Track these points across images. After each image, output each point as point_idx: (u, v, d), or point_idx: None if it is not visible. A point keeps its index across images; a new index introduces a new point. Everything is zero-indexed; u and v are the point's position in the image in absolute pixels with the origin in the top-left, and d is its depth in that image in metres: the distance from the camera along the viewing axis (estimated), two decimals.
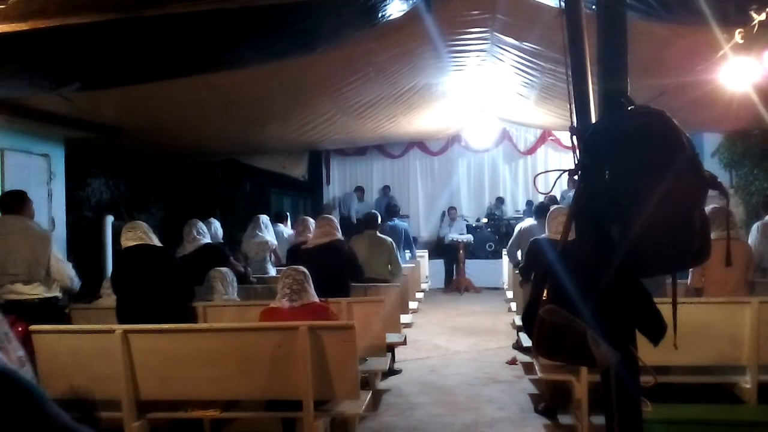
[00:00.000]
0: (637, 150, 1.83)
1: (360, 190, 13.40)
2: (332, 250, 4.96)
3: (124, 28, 3.32)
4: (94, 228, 8.02)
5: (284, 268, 4.46)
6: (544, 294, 2.04)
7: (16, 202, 4.57)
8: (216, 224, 5.84)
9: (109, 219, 8.04)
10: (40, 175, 6.36)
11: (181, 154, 9.20)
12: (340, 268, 4.86)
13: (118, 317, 4.10)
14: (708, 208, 4.60)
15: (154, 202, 10.40)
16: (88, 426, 0.99)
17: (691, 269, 4.34)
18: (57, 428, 0.95)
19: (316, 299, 3.83)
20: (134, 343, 3.52)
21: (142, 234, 4.26)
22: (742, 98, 4.29)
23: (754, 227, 5.73)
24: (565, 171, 2.20)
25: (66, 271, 4.65)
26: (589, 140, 2.02)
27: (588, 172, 1.96)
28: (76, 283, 4.75)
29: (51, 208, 6.40)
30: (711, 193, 1.92)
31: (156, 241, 4.33)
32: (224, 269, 4.86)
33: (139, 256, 4.23)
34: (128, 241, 4.25)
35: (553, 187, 2.41)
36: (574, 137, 2.07)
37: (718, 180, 1.92)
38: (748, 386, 3.84)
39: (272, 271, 6.79)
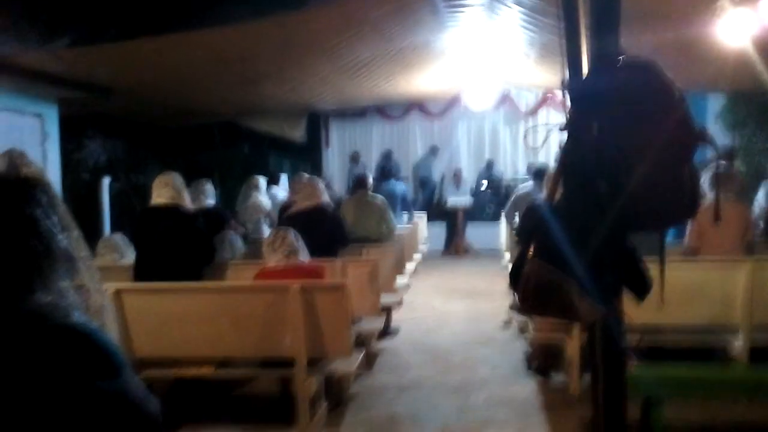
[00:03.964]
0: (624, 104, 1.79)
1: (355, 156, 13.30)
2: (316, 214, 4.91)
3: None
4: (91, 190, 8.00)
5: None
6: (531, 250, 2.04)
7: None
8: (209, 186, 5.80)
9: (106, 181, 8.02)
10: (33, 135, 6.30)
11: (176, 115, 9.11)
12: (325, 232, 4.81)
13: (135, 275, 4.11)
14: (710, 169, 4.57)
15: (152, 164, 10.35)
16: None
17: (688, 229, 4.32)
18: (129, 399, 0.91)
19: (307, 260, 3.84)
20: (128, 301, 3.53)
21: (174, 193, 4.13)
22: (740, 54, 4.20)
23: (763, 186, 5.61)
24: (555, 126, 2.16)
25: None
26: (578, 95, 1.98)
27: (576, 127, 1.93)
28: None
29: (45, 169, 6.36)
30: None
31: (187, 201, 4.21)
32: (230, 232, 4.88)
33: (166, 218, 4.12)
34: (159, 198, 4.14)
35: (544, 143, 2.36)
36: (566, 92, 2.03)
37: (708, 132, 1.89)
38: (739, 347, 3.86)
39: (267, 233, 6.78)
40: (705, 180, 4.37)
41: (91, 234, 6.85)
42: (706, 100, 9.42)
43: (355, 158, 13.14)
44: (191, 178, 5.95)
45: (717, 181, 3.54)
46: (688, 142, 1.80)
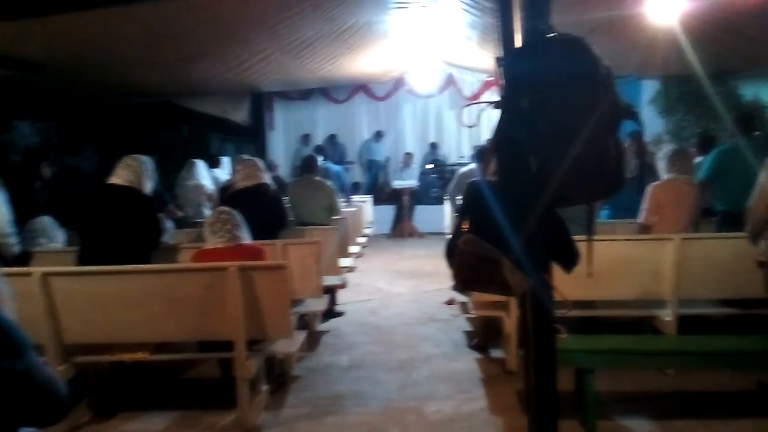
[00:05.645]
0: (554, 79, 1.81)
1: (305, 138, 13.16)
2: (257, 193, 4.82)
3: None
4: (21, 173, 7.61)
5: None
6: (464, 225, 2.06)
7: None
8: None
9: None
10: None
11: (111, 94, 8.78)
12: (266, 212, 4.73)
13: (79, 259, 3.90)
14: (666, 150, 4.71)
15: (88, 146, 9.94)
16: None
17: (644, 206, 4.42)
18: (33, 380, 0.86)
19: (249, 241, 3.77)
20: (56, 285, 3.39)
21: (132, 177, 3.92)
22: (669, 36, 4.34)
23: None
24: (490, 103, 2.18)
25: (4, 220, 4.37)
26: (509, 71, 2.00)
27: (508, 103, 1.95)
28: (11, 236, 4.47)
29: None
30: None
31: (146, 188, 3.98)
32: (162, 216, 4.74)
33: (121, 199, 3.90)
34: (117, 178, 3.92)
35: (479, 120, 2.38)
36: (500, 70, 2.05)
37: (633, 110, 1.94)
38: (668, 319, 4.04)
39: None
40: (662, 160, 4.52)
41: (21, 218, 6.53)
42: (640, 85, 9.72)
43: (306, 140, 13.00)
44: None
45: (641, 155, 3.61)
46: (614, 116, 1.83)
